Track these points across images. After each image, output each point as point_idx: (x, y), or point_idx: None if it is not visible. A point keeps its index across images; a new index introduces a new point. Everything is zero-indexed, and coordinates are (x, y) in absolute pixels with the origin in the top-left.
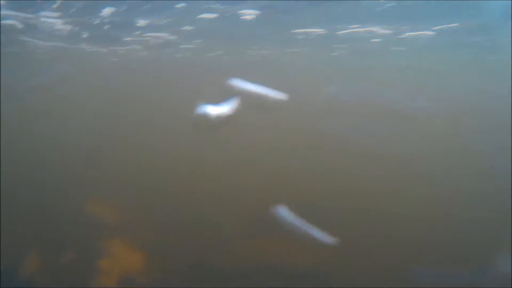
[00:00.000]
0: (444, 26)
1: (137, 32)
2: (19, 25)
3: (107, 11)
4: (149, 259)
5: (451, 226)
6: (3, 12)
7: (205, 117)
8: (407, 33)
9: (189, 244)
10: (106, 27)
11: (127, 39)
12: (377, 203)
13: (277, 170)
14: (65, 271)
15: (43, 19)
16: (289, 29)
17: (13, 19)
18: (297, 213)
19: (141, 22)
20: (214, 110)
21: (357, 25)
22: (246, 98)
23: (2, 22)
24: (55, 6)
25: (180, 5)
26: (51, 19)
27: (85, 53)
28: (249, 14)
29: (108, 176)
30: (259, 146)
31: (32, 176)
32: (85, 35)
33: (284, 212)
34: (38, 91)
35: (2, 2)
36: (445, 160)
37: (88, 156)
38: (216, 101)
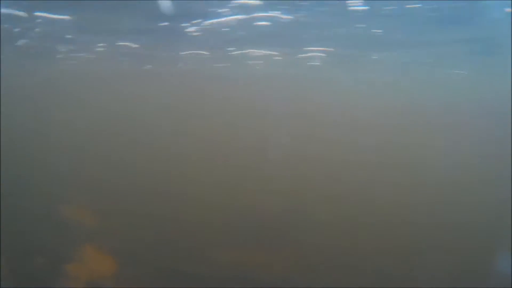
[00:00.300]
0: None
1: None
2: None
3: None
4: (121, 264)
5: (450, 229)
6: None
7: None
8: None
9: (163, 250)
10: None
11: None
12: (372, 209)
13: (260, 176)
14: (32, 276)
15: None
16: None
17: None
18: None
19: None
20: None
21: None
22: None
23: None
24: None
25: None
26: None
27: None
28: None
29: (83, 181)
30: (241, 151)
31: (5, 179)
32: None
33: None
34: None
35: None
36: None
37: (62, 161)
38: None
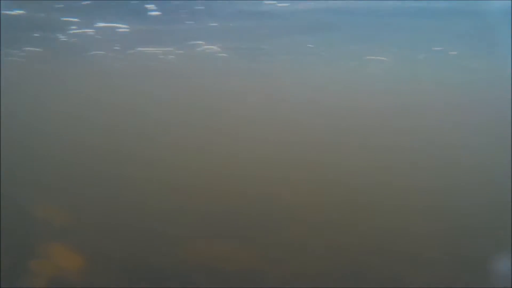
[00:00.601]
0: None
1: None
2: None
3: None
4: (88, 260)
5: (450, 226)
6: None
7: None
8: None
9: (130, 246)
10: None
11: None
12: (369, 200)
13: (219, 170)
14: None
15: None
16: None
17: None
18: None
19: None
20: None
21: None
22: None
23: None
24: None
25: None
26: None
27: None
28: None
29: (52, 179)
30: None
31: None
32: None
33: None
34: None
35: None
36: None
37: (33, 159)
38: None
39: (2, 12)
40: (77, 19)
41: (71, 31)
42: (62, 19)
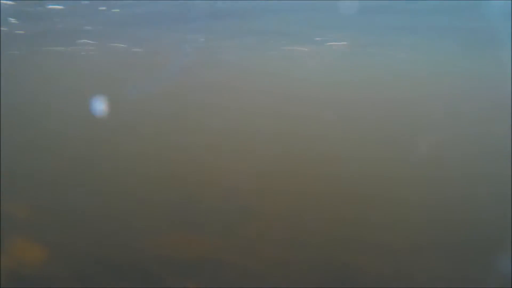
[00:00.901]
0: None
1: None
2: None
3: None
4: (49, 255)
5: (450, 228)
6: None
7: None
8: None
9: (94, 240)
10: None
11: None
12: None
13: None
14: None
15: None
16: None
17: None
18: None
19: None
20: None
21: None
22: None
23: None
24: None
25: None
26: None
27: None
28: None
29: (17, 173)
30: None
31: None
32: None
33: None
34: None
35: None
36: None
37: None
38: None
39: None
40: None
41: None
42: None
